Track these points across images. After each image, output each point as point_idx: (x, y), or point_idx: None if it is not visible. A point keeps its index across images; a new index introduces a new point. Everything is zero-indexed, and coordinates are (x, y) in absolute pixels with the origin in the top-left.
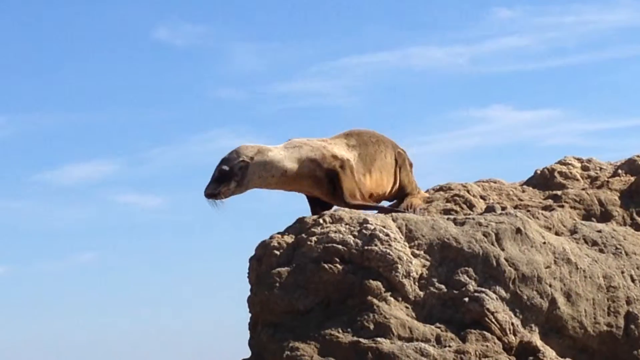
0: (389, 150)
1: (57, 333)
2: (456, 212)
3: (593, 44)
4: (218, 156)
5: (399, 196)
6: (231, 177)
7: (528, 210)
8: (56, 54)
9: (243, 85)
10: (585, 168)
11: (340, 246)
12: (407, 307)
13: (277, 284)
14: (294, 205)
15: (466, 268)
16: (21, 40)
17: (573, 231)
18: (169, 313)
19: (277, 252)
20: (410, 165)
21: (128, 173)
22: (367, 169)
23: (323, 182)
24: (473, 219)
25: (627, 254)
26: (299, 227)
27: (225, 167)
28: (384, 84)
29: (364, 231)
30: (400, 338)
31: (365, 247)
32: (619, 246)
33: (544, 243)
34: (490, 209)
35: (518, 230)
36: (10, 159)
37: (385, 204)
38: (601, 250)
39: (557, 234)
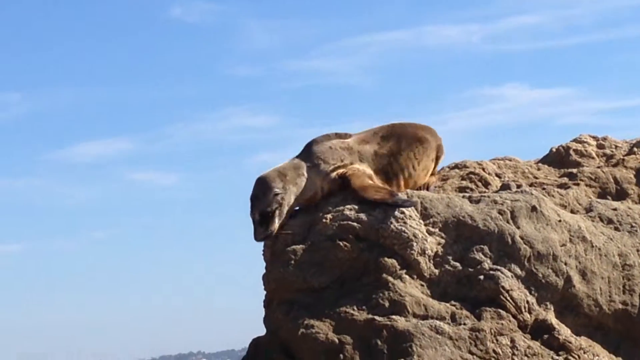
0: (428, 152)
1: (71, 310)
2: (471, 189)
3: (609, 22)
4: (234, 135)
5: None
6: (273, 214)
7: (543, 188)
8: (72, 31)
9: (259, 63)
10: (600, 146)
11: (355, 224)
12: (422, 285)
13: (292, 262)
14: None
15: (481, 246)
16: (37, 17)
17: (588, 209)
18: (183, 290)
19: (292, 230)
20: (444, 153)
21: (143, 150)
22: (388, 179)
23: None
24: (488, 196)
25: None
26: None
27: (266, 209)
28: (398, 62)
29: (379, 209)
30: (415, 316)
31: (381, 225)
32: (634, 224)
33: (560, 221)
34: (505, 187)
35: (533, 208)
36: (25, 136)
37: None
38: (616, 229)
39: (572, 212)
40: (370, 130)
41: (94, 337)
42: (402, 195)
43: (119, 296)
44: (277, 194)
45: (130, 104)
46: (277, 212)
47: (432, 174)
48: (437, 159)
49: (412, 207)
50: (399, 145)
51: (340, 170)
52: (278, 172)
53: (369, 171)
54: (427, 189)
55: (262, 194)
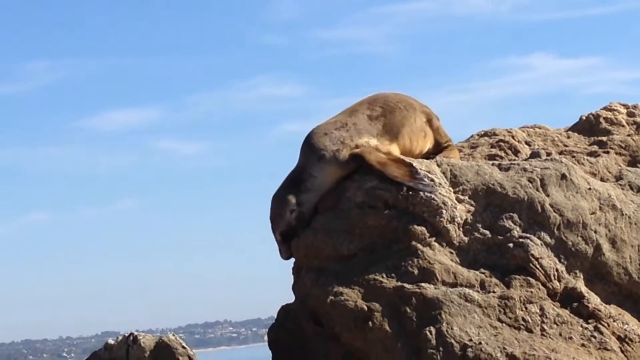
0: (417, 113)
1: (98, 278)
2: (501, 157)
3: None
4: (263, 105)
5: (436, 151)
6: (294, 231)
7: (573, 156)
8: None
9: (286, 32)
10: (630, 114)
11: (384, 191)
12: (451, 253)
13: (322, 229)
14: None
15: (511, 214)
16: None
17: (618, 177)
18: (209, 259)
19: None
20: (437, 118)
21: (169, 119)
22: (393, 137)
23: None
24: (518, 164)
25: None
26: None
27: (285, 228)
28: (425, 31)
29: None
30: (444, 283)
31: (410, 193)
32: None
33: (589, 189)
34: (535, 155)
35: (563, 176)
36: (53, 105)
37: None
38: None
39: (602, 180)
40: (348, 107)
41: (121, 306)
42: (423, 175)
43: (145, 265)
44: (292, 211)
45: (157, 73)
46: (298, 227)
47: (441, 142)
48: (431, 123)
49: (433, 193)
50: (387, 105)
51: (349, 152)
52: (290, 185)
53: (374, 142)
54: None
55: (279, 215)
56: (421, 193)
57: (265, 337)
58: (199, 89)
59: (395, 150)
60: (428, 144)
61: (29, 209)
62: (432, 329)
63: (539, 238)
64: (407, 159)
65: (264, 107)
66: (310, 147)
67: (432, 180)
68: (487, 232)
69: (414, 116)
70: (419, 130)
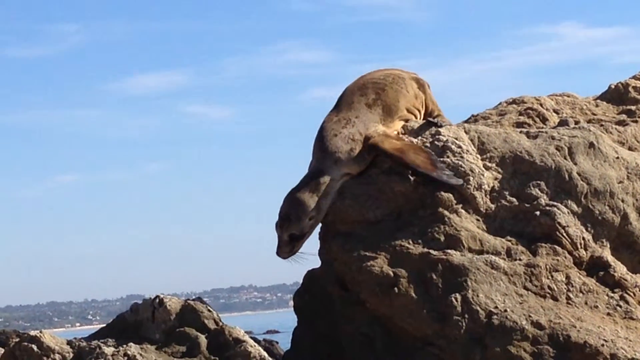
0: (406, 82)
1: (126, 241)
2: (529, 125)
3: None
4: (291, 70)
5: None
6: (303, 238)
7: (601, 125)
8: None
9: None
10: None
11: None
12: (477, 220)
13: (349, 194)
14: None
15: (538, 182)
16: None
17: None
18: (237, 222)
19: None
20: (428, 85)
21: (197, 84)
22: (395, 116)
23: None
24: (546, 132)
25: None
26: None
27: (296, 233)
28: None
29: (436, 142)
30: (470, 250)
31: (438, 159)
32: None
33: (617, 158)
34: (563, 123)
35: (591, 145)
36: (81, 67)
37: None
38: None
39: (630, 149)
40: (342, 97)
41: (147, 270)
42: (444, 166)
43: (172, 228)
44: (312, 217)
45: (185, 38)
46: (307, 234)
47: (433, 110)
48: (423, 88)
49: (458, 183)
50: (377, 86)
51: (363, 147)
52: (309, 189)
53: (382, 128)
54: (435, 122)
55: (296, 217)
56: (446, 181)
57: (291, 303)
58: (227, 54)
59: (398, 125)
60: (422, 108)
61: (57, 171)
62: (458, 296)
63: (565, 206)
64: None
65: (290, 72)
66: (324, 151)
67: (459, 147)
68: (514, 199)
69: (405, 86)
70: (413, 98)
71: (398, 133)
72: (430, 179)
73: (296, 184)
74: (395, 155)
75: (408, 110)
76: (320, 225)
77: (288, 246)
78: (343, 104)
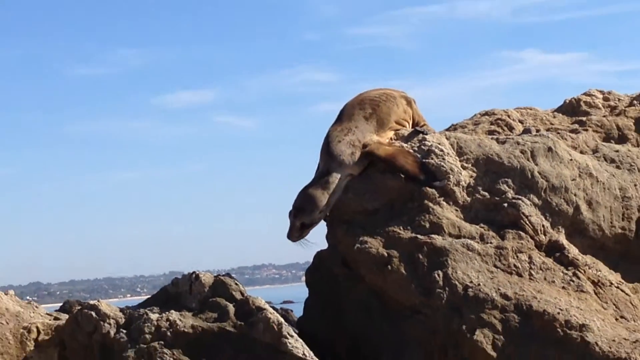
0: (397, 100)
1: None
2: (498, 132)
3: None
4: (304, 88)
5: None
6: (311, 226)
7: (558, 133)
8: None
9: (323, 29)
10: (606, 99)
11: None
12: (456, 210)
13: (351, 189)
14: None
15: (506, 179)
16: None
17: (595, 150)
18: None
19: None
20: (414, 101)
21: (226, 99)
22: (386, 127)
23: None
24: (512, 138)
25: (639, 170)
26: None
27: (307, 222)
28: (436, 30)
29: (422, 147)
30: (450, 235)
31: (424, 160)
32: (632, 163)
33: (571, 160)
34: (526, 131)
35: (549, 149)
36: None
37: None
38: (618, 167)
39: (581, 152)
40: (343, 111)
41: (185, 250)
42: (430, 167)
43: (205, 217)
44: (322, 211)
45: (218, 61)
46: (315, 225)
47: (419, 121)
48: (410, 105)
49: (439, 184)
50: (373, 102)
51: (362, 152)
52: (321, 186)
53: (376, 137)
54: (420, 130)
55: (310, 210)
56: (430, 183)
57: (303, 278)
58: (252, 75)
59: (389, 134)
60: (410, 120)
61: (116, 169)
62: (440, 273)
63: (528, 199)
64: (412, 152)
65: (305, 89)
66: (330, 155)
67: (441, 150)
68: (486, 193)
69: (395, 103)
70: (402, 113)
71: (390, 139)
72: (419, 182)
73: (308, 182)
74: (388, 160)
75: (397, 122)
76: (327, 214)
77: (298, 232)
78: (344, 116)
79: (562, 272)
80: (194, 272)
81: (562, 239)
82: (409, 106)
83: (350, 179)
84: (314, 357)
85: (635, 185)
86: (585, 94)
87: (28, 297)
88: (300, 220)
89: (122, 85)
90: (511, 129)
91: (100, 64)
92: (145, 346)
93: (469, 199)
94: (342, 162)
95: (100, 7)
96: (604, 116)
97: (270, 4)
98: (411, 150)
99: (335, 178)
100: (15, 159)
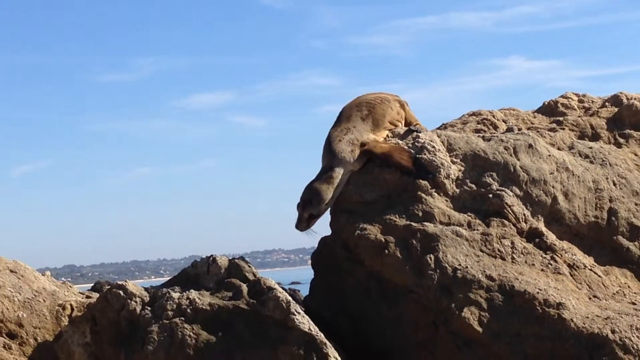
0: (391, 102)
1: (187, 215)
2: (484, 131)
3: (588, 11)
4: (310, 91)
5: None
6: (317, 217)
7: (538, 131)
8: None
9: (327, 38)
10: (581, 101)
11: None
12: (446, 200)
13: (352, 181)
14: None
15: (491, 172)
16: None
17: (571, 147)
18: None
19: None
20: (407, 104)
21: (240, 101)
22: (381, 127)
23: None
24: (497, 136)
25: (610, 165)
26: None
27: (314, 213)
28: (430, 39)
29: (416, 144)
30: (441, 223)
31: (417, 156)
32: (604, 159)
33: (549, 155)
34: (509, 130)
35: (530, 146)
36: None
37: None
38: (591, 162)
39: (559, 149)
40: (342, 113)
41: (204, 236)
42: (422, 162)
43: (221, 206)
44: (326, 204)
45: (232, 66)
46: (320, 216)
47: (412, 121)
48: (403, 107)
49: (431, 177)
50: (369, 104)
51: (360, 150)
52: (325, 182)
53: (373, 136)
54: (414, 129)
55: (316, 202)
56: (422, 175)
57: (309, 262)
58: (264, 79)
59: (384, 133)
60: (402, 121)
61: (136, 165)
62: (432, 256)
63: (511, 191)
64: (407, 148)
65: (310, 93)
66: (332, 153)
67: (433, 147)
68: (473, 186)
69: (389, 105)
70: (396, 114)
71: (385, 138)
72: (409, 173)
73: (313, 178)
74: (384, 157)
75: (391, 123)
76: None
77: (306, 222)
78: (343, 117)
79: (541, 256)
80: (211, 256)
81: (542, 226)
82: (402, 108)
83: (351, 174)
84: (319, 332)
85: (607, 178)
86: (562, 96)
87: (63, 278)
88: (307, 212)
89: (141, 90)
90: (496, 127)
91: (121, 71)
92: (167, 322)
93: (457, 191)
94: (343, 159)
95: (119, 17)
96: (579, 116)
97: (280, 14)
98: (405, 147)
99: (338, 173)
100: (50, 154)
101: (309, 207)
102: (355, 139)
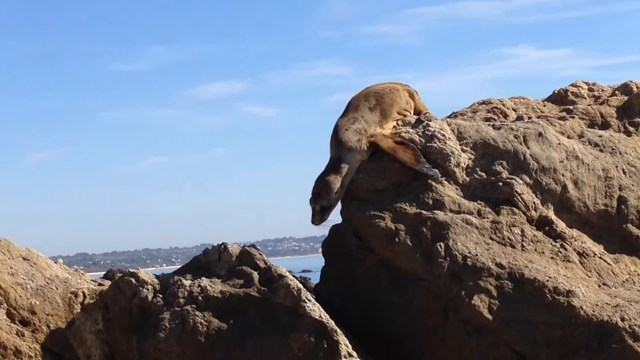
0: (400, 92)
1: (197, 204)
2: (494, 120)
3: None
4: (321, 80)
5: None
6: (330, 209)
7: (547, 120)
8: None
9: (338, 27)
10: (591, 89)
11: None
12: (457, 189)
13: (362, 170)
14: None
15: (501, 161)
16: None
17: (581, 135)
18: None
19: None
20: (417, 92)
21: (251, 90)
22: (389, 117)
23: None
24: (507, 125)
25: (620, 154)
26: None
27: (325, 205)
28: (440, 28)
29: (426, 132)
30: (451, 211)
31: (427, 144)
32: (614, 147)
33: (559, 144)
34: (519, 118)
35: (540, 134)
36: (166, 78)
37: None
38: (601, 150)
39: (568, 137)
40: (350, 103)
41: (215, 224)
42: (425, 161)
43: (232, 195)
44: (337, 192)
45: (243, 56)
46: (333, 206)
47: (421, 110)
48: (413, 96)
49: (435, 175)
50: (377, 94)
51: (367, 140)
52: (334, 172)
53: (379, 130)
54: (424, 119)
55: (326, 193)
56: (425, 173)
57: (319, 250)
58: (274, 68)
59: (391, 123)
60: (412, 110)
61: (150, 153)
62: (442, 244)
63: (521, 179)
64: (411, 145)
65: (321, 82)
66: (339, 142)
67: (443, 135)
68: (483, 174)
69: (398, 95)
70: (404, 104)
71: (394, 127)
72: (415, 171)
73: (323, 170)
74: (389, 152)
75: (399, 113)
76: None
77: (319, 215)
78: (351, 107)
79: (551, 244)
80: (222, 244)
81: (551, 214)
82: (412, 98)
83: (362, 163)
84: (330, 319)
85: (616, 166)
86: (572, 85)
87: (75, 266)
88: (319, 205)
89: (153, 79)
90: (506, 116)
91: (133, 60)
92: (179, 309)
93: (467, 179)
94: (350, 148)
95: (133, 6)
96: (589, 105)
97: (291, 4)
98: (411, 145)
99: (346, 163)
100: (64, 142)
101: (319, 200)
102: (363, 128)
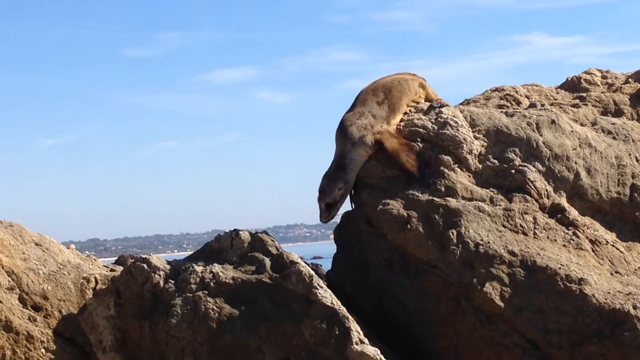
0: (409, 83)
1: (209, 189)
2: (507, 107)
3: None
4: (333, 67)
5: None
6: (336, 204)
7: (560, 107)
8: None
9: (351, 13)
10: (604, 77)
11: (421, 130)
12: (469, 176)
13: (374, 157)
14: None
15: (513, 148)
16: None
17: (594, 123)
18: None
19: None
20: (425, 80)
21: (264, 76)
22: (398, 111)
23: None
24: (520, 112)
25: (633, 141)
26: None
27: (330, 201)
28: (453, 15)
29: (439, 119)
30: (463, 198)
31: (440, 131)
32: (627, 135)
33: (572, 131)
34: (532, 105)
35: (553, 122)
36: (179, 64)
37: None
38: (614, 138)
39: (581, 125)
40: (358, 97)
41: (226, 210)
42: (423, 167)
43: (245, 181)
44: (340, 189)
45: (255, 42)
46: (339, 202)
47: (433, 98)
48: (423, 86)
49: (432, 182)
50: (385, 88)
51: (373, 137)
52: (338, 168)
53: (386, 126)
54: (437, 106)
55: (329, 190)
56: (419, 179)
57: (331, 236)
58: (286, 54)
59: (399, 117)
60: (422, 100)
61: (161, 138)
62: (454, 231)
63: (533, 166)
64: (413, 144)
65: (333, 68)
66: (344, 137)
67: (456, 122)
68: (495, 161)
69: (407, 87)
70: (414, 95)
71: (406, 114)
72: (412, 175)
73: (329, 166)
74: (392, 153)
75: (409, 105)
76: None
77: (326, 212)
78: (358, 102)
79: (563, 231)
80: (234, 230)
81: (564, 202)
82: (422, 87)
83: (367, 156)
84: (341, 306)
85: (629, 154)
86: (585, 72)
87: (87, 252)
88: (324, 202)
89: (166, 64)
90: (518, 103)
91: (146, 45)
92: (190, 295)
93: (480, 166)
94: (354, 143)
95: None
96: (602, 92)
97: None
98: (415, 147)
99: (350, 159)
100: (76, 127)
101: (323, 197)
102: (369, 124)
